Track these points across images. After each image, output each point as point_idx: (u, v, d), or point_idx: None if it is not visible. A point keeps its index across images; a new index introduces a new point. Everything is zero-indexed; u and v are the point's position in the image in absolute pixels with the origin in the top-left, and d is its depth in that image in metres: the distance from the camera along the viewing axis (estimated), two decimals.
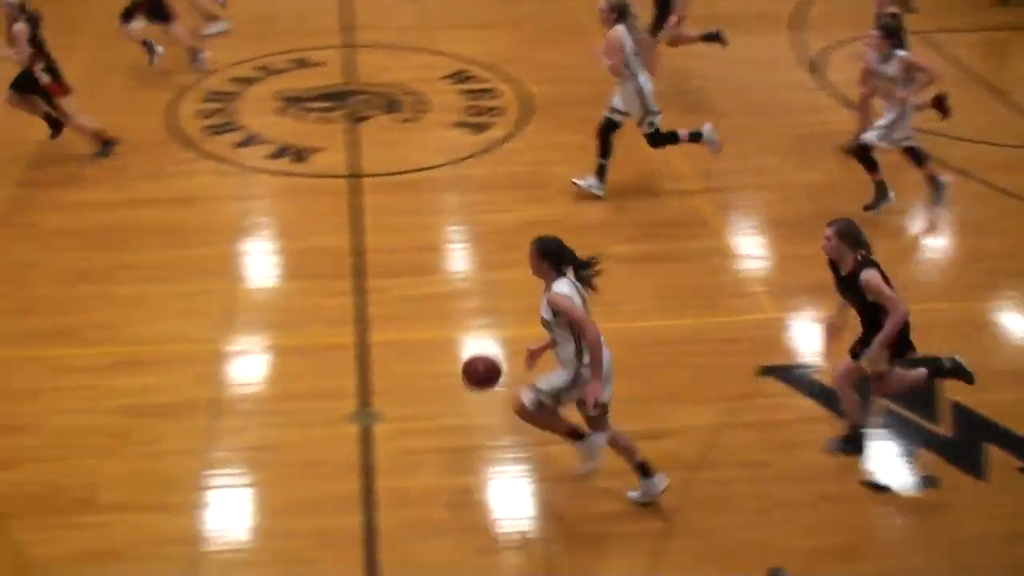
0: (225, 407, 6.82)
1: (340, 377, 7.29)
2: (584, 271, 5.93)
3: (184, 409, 6.94)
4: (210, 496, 6.33)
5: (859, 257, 6.22)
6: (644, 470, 6.16)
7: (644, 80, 9.30)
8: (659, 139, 9.49)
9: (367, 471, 6.49)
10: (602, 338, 5.78)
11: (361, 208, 9.41)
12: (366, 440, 6.75)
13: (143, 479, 6.44)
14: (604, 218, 9.29)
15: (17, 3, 9.59)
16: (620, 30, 9.20)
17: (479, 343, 7.56)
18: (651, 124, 9.38)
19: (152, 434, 6.78)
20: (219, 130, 10.78)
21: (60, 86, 9.82)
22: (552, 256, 5.87)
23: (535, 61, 12.37)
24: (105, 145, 10.09)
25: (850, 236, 6.26)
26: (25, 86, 9.75)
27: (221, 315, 7.88)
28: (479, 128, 10.90)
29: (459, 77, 11.81)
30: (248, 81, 11.81)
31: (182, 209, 9.27)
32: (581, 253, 5.92)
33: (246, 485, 6.46)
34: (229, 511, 6.25)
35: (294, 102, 11.37)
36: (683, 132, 9.52)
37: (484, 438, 6.81)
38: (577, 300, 5.81)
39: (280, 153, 10.36)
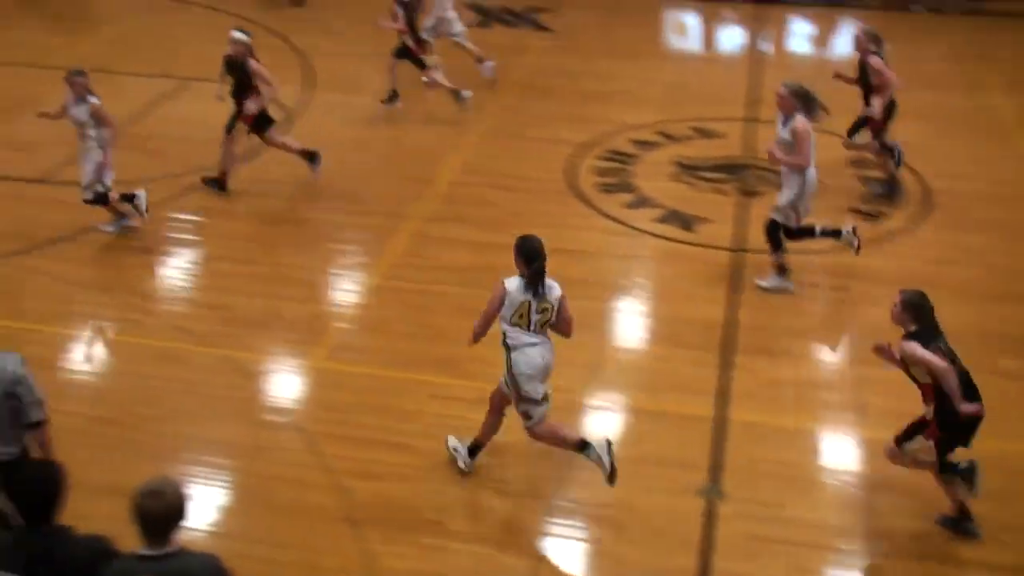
0: (575, 459, 7.02)
1: (692, 448, 7.29)
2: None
3: (535, 453, 7.17)
4: (548, 543, 6.54)
5: (911, 330, 6.22)
6: None
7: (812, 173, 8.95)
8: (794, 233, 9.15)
9: (706, 549, 6.44)
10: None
11: (739, 282, 9.39)
12: (710, 517, 6.69)
13: (489, 514, 6.76)
14: (988, 326, 8.71)
15: None
16: (806, 121, 8.75)
17: (838, 439, 7.31)
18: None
19: (504, 473, 7.08)
20: (613, 189, 11.15)
21: None
22: (913, 309, 6.24)
23: (941, 153, 11.87)
24: (311, 159, 10.85)
25: (913, 308, 6.27)
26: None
27: (586, 368, 8.10)
28: (873, 216, 10.57)
29: (859, 163, 11.51)
30: (648, 145, 12.15)
31: (569, 260, 9.57)
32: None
33: (583, 540, 6.60)
34: (564, 562, 6.41)
35: (689, 170, 11.56)
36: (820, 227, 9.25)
37: (833, 538, 6.56)
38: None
39: (668, 218, 10.54)
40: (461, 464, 7.01)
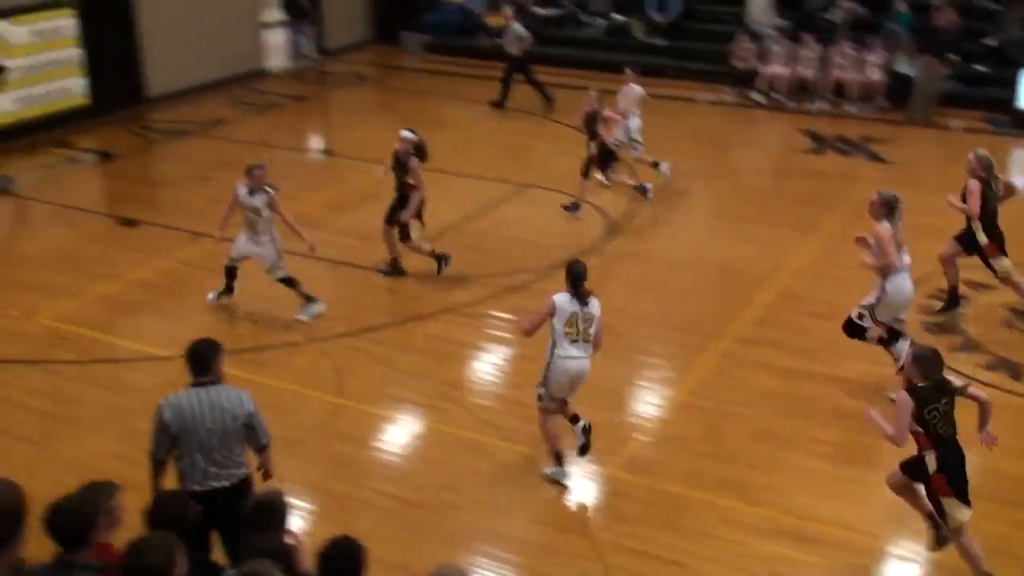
0: None
1: None
2: None
3: None
4: None
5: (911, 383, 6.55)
6: None
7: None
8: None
9: None
10: None
11: None
12: None
13: None
14: None
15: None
16: (889, 227, 8.82)
17: None
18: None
19: None
20: (939, 330, 10.58)
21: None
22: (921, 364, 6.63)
23: None
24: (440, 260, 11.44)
25: (922, 363, 6.56)
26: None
27: (887, 511, 7.68)
28: None
29: None
30: (981, 287, 11.47)
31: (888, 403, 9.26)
32: None
33: None
34: None
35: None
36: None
37: None
38: None
39: (997, 366, 9.89)
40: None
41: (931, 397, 6.48)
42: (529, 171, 15.22)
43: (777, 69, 19.08)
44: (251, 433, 6.34)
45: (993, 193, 10.25)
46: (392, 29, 24.02)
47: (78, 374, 9.72)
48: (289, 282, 10.78)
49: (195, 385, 6.29)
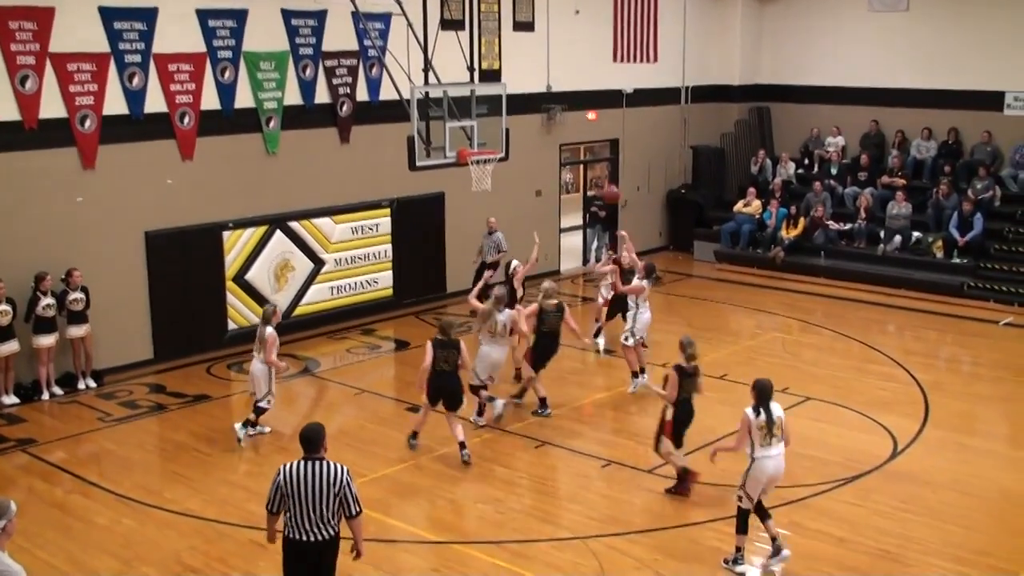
0: None
1: None
2: None
3: None
4: None
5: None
6: None
7: None
8: None
9: None
10: None
11: None
12: None
13: None
14: None
15: None
16: None
17: None
18: None
19: None
20: None
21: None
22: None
23: None
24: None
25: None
26: None
27: None
28: None
29: None
30: None
31: None
32: None
33: None
34: None
35: None
36: None
37: None
38: None
39: None
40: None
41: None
42: (813, 383, 14.91)
43: None
44: (344, 503, 7.68)
45: None
46: (685, 237, 24.58)
47: None
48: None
49: (305, 459, 7.75)
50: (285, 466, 7.75)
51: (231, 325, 17.00)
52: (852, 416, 13.47)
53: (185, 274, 16.19)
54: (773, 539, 9.83)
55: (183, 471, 12.20)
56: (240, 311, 17.06)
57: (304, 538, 7.66)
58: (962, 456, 12.51)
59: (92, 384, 15.06)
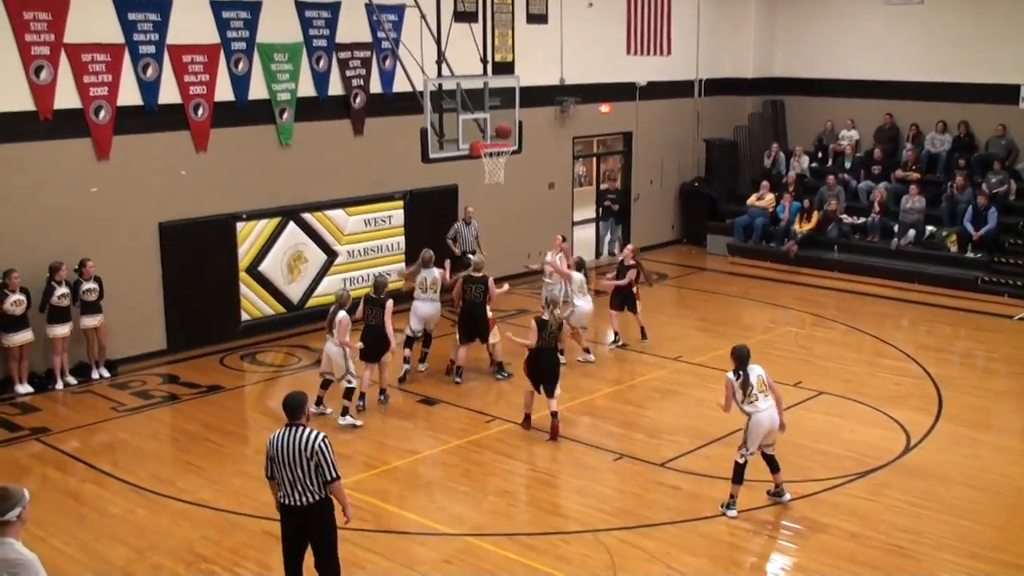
0: None
1: None
2: None
3: None
4: None
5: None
6: None
7: None
8: None
9: None
10: None
11: None
12: None
13: None
14: None
15: None
16: None
17: None
18: None
19: None
20: None
21: None
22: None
23: None
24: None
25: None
26: None
27: None
28: None
29: None
30: None
31: None
32: None
33: None
34: None
35: None
36: None
37: None
38: None
39: None
40: None
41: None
42: (826, 377, 14.89)
43: None
44: (319, 468, 8.02)
45: None
46: (698, 230, 24.55)
47: (369, 542, 10.15)
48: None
49: (287, 425, 8.15)
50: (273, 434, 8.21)
51: (244, 316, 17.05)
52: (865, 411, 13.44)
53: (198, 265, 16.23)
54: (777, 485, 10.94)
55: (196, 461, 12.24)
56: (253, 302, 17.10)
57: (290, 501, 8.11)
58: (975, 451, 12.47)
59: (106, 374, 15.12)
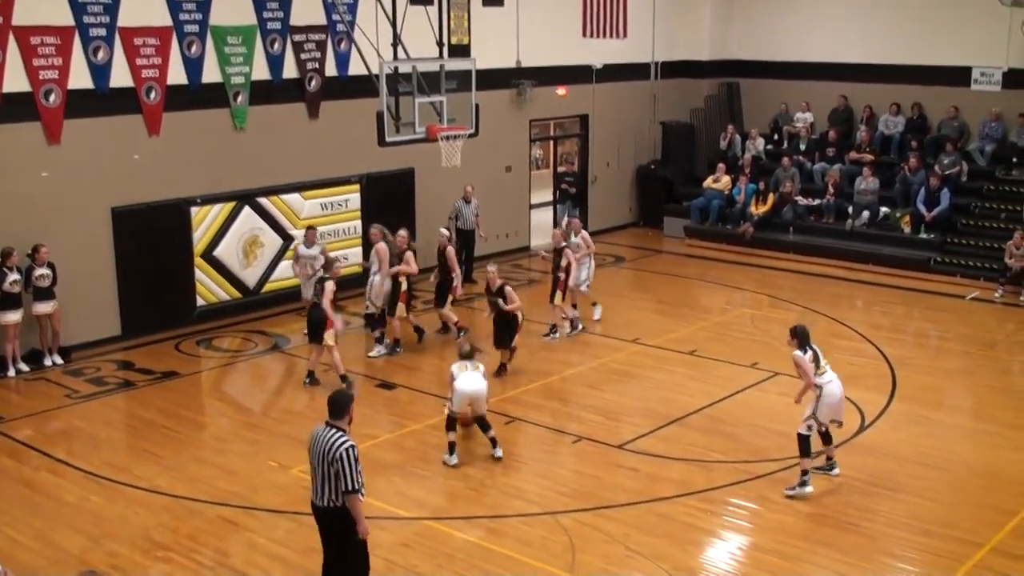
0: None
1: None
2: None
3: None
4: None
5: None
6: None
7: None
8: None
9: None
10: None
11: None
12: None
13: None
14: None
15: None
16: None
17: None
18: None
19: None
20: None
21: None
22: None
23: None
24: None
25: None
26: None
27: None
28: None
29: None
30: None
31: None
32: None
33: None
34: None
35: None
36: None
37: None
38: None
39: None
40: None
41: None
42: (782, 359, 14.95)
43: None
44: (338, 477, 7.71)
45: None
46: (655, 213, 24.63)
47: None
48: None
49: (326, 423, 7.91)
50: (316, 427, 8.07)
51: (199, 301, 16.90)
52: None
53: (153, 250, 16.06)
54: (829, 458, 11.16)
55: (152, 448, 12.14)
56: (209, 287, 16.96)
57: (315, 499, 7.98)
58: (928, 430, 12.64)
59: (59, 361, 14.94)
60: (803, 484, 10.73)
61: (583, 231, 16.92)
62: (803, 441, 10.72)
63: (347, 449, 7.72)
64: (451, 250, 15.85)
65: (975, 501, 10.77)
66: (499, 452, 11.64)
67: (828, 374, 10.77)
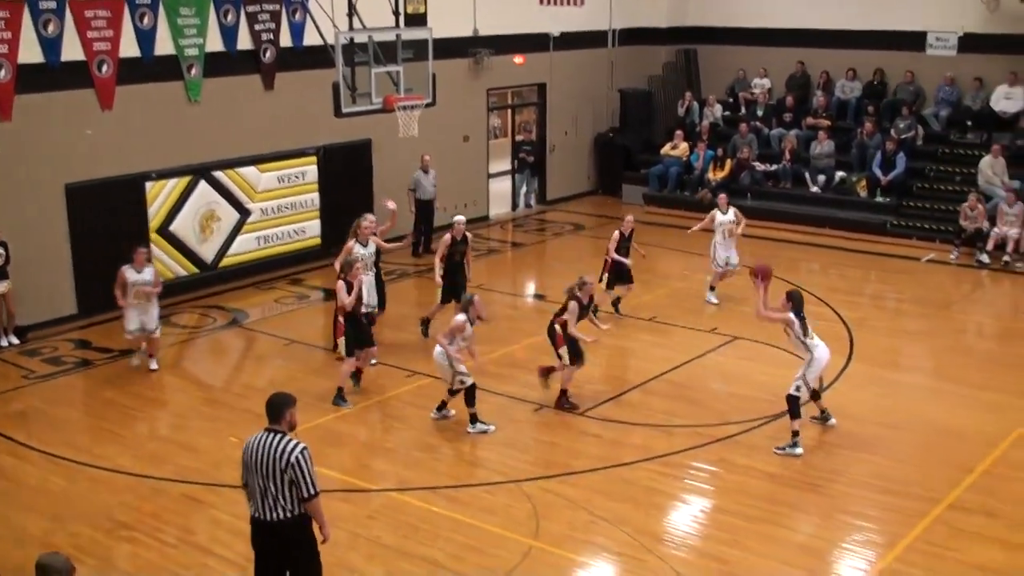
0: None
1: None
2: None
3: None
4: None
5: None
6: None
7: None
8: None
9: None
10: None
11: None
12: None
13: None
14: None
15: None
16: None
17: None
18: None
19: None
20: None
21: None
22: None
23: None
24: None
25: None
26: None
27: None
28: None
29: None
30: None
31: None
32: None
33: None
34: None
35: None
36: None
37: None
38: None
39: None
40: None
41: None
42: (741, 323, 15.10)
43: (1007, 230, 18.42)
44: (295, 484, 7.10)
45: None
46: (613, 180, 24.65)
47: None
48: None
49: (265, 430, 7.25)
50: (249, 438, 7.32)
51: None
52: (779, 354, 13.64)
53: (108, 227, 15.82)
54: (823, 410, 11.54)
55: (112, 427, 12.04)
56: (165, 263, 16.76)
57: (261, 515, 7.20)
58: (886, 390, 12.80)
59: (15, 341, 14.74)
60: (794, 445, 10.95)
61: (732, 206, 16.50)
62: (792, 402, 11.00)
63: (301, 453, 7.09)
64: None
65: (933, 459, 10.94)
66: (479, 428, 11.62)
67: (816, 340, 11.06)
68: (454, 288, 14.32)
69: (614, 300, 15.60)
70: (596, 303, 13.60)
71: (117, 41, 15.72)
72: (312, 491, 7.12)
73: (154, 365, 13.59)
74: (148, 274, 13.46)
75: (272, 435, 7.18)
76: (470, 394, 11.63)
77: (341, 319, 12.41)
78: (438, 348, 11.61)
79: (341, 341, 12.53)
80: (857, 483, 10.38)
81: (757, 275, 11.45)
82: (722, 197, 16.74)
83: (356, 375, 12.82)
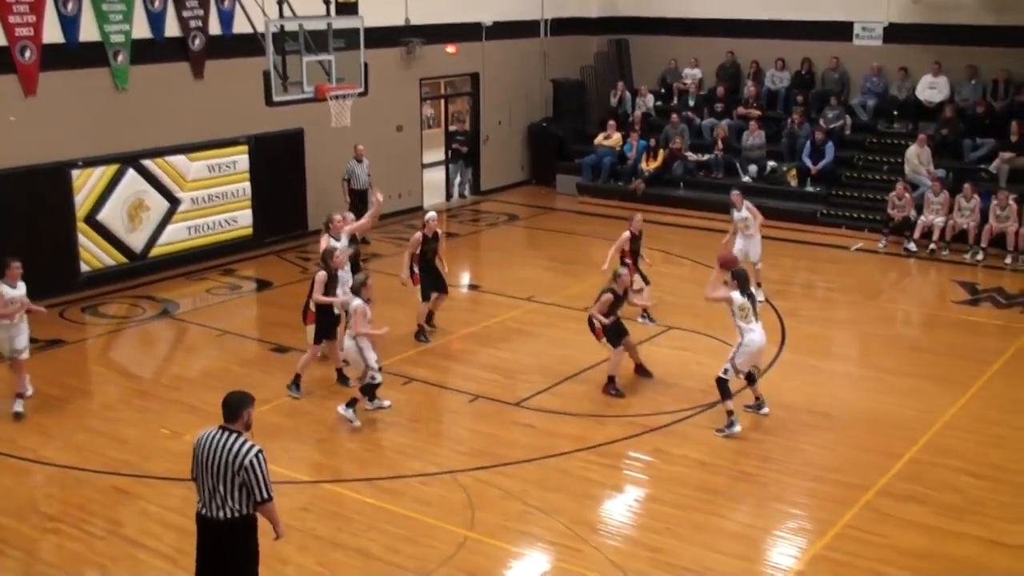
0: None
1: None
2: None
3: None
4: None
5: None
6: None
7: None
8: None
9: None
10: None
11: None
12: None
13: None
14: None
15: None
16: None
17: None
18: None
19: None
20: None
21: None
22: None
23: None
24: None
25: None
26: None
27: None
28: None
29: None
30: None
31: None
32: None
33: None
34: None
35: None
36: None
37: None
38: None
39: None
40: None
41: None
42: (674, 312, 15.23)
43: (934, 218, 18.77)
44: (247, 486, 6.94)
45: None
46: (547, 170, 24.68)
47: None
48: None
49: (220, 427, 7.08)
50: (202, 432, 7.15)
51: (84, 267, 16.41)
52: (712, 343, 13.80)
53: (32, 216, 15.47)
54: (757, 397, 11.69)
55: (37, 418, 11.78)
56: (93, 253, 16.47)
57: (207, 512, 7.05)
58: (817, 379, 12.99)
59: None
60: (731, 425, 11.20)
61: (746, 201, 15.91)
62: (721, 384, 11.23)
63: (256, 456, 6.92)
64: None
65: (862, 446, 11.11)
66: (349, 414, 11.49)
67: (754, 325, 11.25)
68: (434, 281, 14.22)
69: (643, 312, 14.84)
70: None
71: (40, 26, 15.40)
72: (266, 495, 6.97)
73: (29, 391, 12.24)
74: (22, 289, 12.03)
75: (227, 434, 7.01)
76: (372, 388, 11.57)
77: (312, 307, 12.29)
78: (347, 340, 11.48)
79: (310, 329, 12.42)
80: (788, 471, 10.52)
81: (719, 262, 11.67)
82: (736, 194, 16.04)
83: (341, 373, 12.64)
